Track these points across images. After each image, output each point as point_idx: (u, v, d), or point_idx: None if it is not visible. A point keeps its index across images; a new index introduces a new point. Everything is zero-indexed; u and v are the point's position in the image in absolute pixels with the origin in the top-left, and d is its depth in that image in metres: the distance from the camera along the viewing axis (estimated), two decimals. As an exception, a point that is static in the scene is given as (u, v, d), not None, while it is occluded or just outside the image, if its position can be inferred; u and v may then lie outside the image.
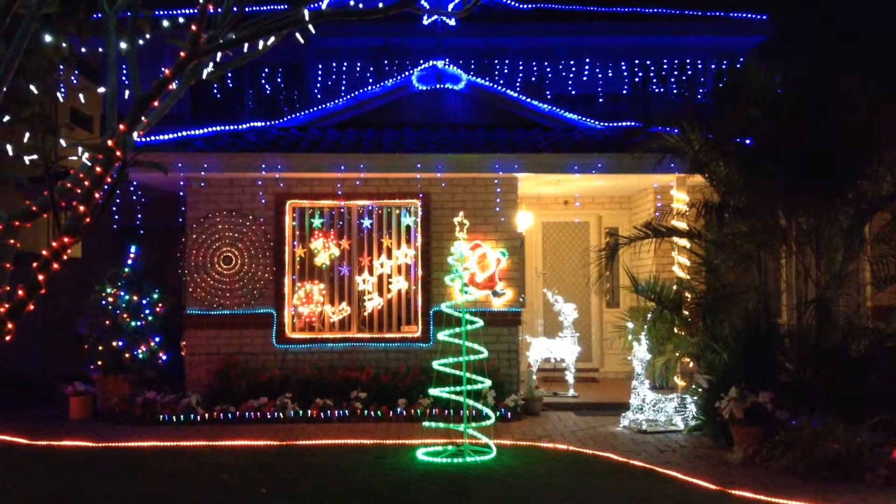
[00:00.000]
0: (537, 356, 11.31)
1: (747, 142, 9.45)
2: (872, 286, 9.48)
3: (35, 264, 3.66)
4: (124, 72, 8.08)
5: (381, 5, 4.13)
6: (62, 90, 5.66)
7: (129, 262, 11.00)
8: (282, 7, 10.77)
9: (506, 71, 14.93)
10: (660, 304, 9.76)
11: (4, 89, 3.84)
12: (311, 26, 4.09)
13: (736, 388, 8.12)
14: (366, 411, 9.99)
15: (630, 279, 10.47)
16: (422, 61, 12.51)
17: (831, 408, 7.68)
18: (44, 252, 3.67)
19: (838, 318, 8.74)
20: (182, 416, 9.93)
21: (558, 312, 11.41)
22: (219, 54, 4.30)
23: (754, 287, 9.24)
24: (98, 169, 3.68)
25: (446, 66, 12.36)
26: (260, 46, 4.39)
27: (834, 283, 8.78)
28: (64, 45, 4.81)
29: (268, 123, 12.33)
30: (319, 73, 14.87)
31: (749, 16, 14.88)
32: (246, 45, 4.33)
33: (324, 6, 4.06)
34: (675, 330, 9.88)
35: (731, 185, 9.33)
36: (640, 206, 12.89)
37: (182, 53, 3.84)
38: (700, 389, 9.18)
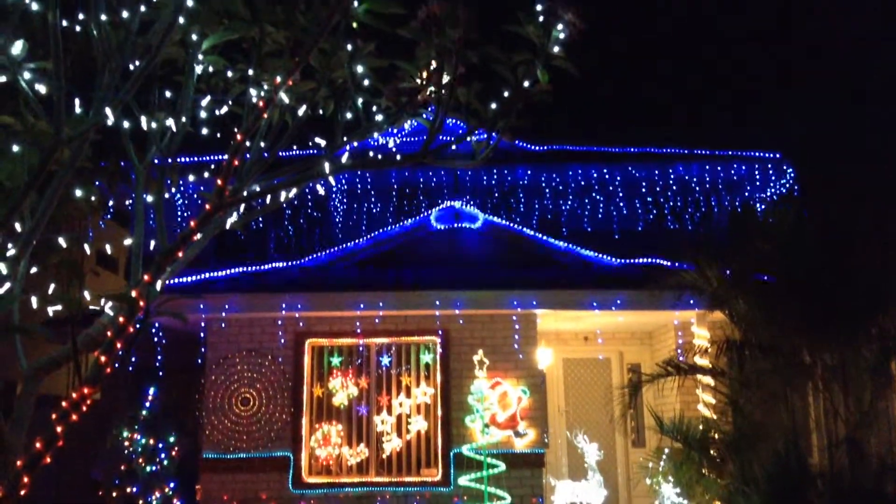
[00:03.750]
0: (563, 501, 10.92)
1: (765, 278, 9.45)
2: (904, 424, 9.23)
3: (54, 416, 3.63)
4: (151, 216, 8.31)
5: (398, 157, 4.27)
6: (90, 237, 5.80)
7: (147, 404, 10.94)
8: (306, 152, 11.14)
9: (521, 209, 15.20)
10: (686, 444, 9.49)
11: (34, 241, 3.94)
12: (330, 177, 4.22)
13: (770, 534, 7.78)
14: (384, 560, 9.63)
15: (654, 419, 10.21)
16: (440, 200, 12.79)
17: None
18: (63, 403, 3.65)
19: (871, 458, 8.47)
20: (194, 566, 9.61)
21: (583, 454, 11.10)
22: (242, 205, 4.42)
23: (782, 426, 9.01)
24: (121, 319, 3.71)
25: (463, 206, 12.62)
26: (282, 197, 4.51)
27: (864, 422, 8.56)
28: (93, 197, 4.97)
29: (289, 263, 12.49)
30: (341, 212, 15.21)
31: (761, 154, 15.14)
32: (268, 195, 4.45)
33: (344, 160, 4.20)
34: (704, 472, 9.56)
35: (752, 321, 9.27)
36: (661, 342, 12.76)
37: (207, 206, 3.94)
38: (732, 535, 8.80)
